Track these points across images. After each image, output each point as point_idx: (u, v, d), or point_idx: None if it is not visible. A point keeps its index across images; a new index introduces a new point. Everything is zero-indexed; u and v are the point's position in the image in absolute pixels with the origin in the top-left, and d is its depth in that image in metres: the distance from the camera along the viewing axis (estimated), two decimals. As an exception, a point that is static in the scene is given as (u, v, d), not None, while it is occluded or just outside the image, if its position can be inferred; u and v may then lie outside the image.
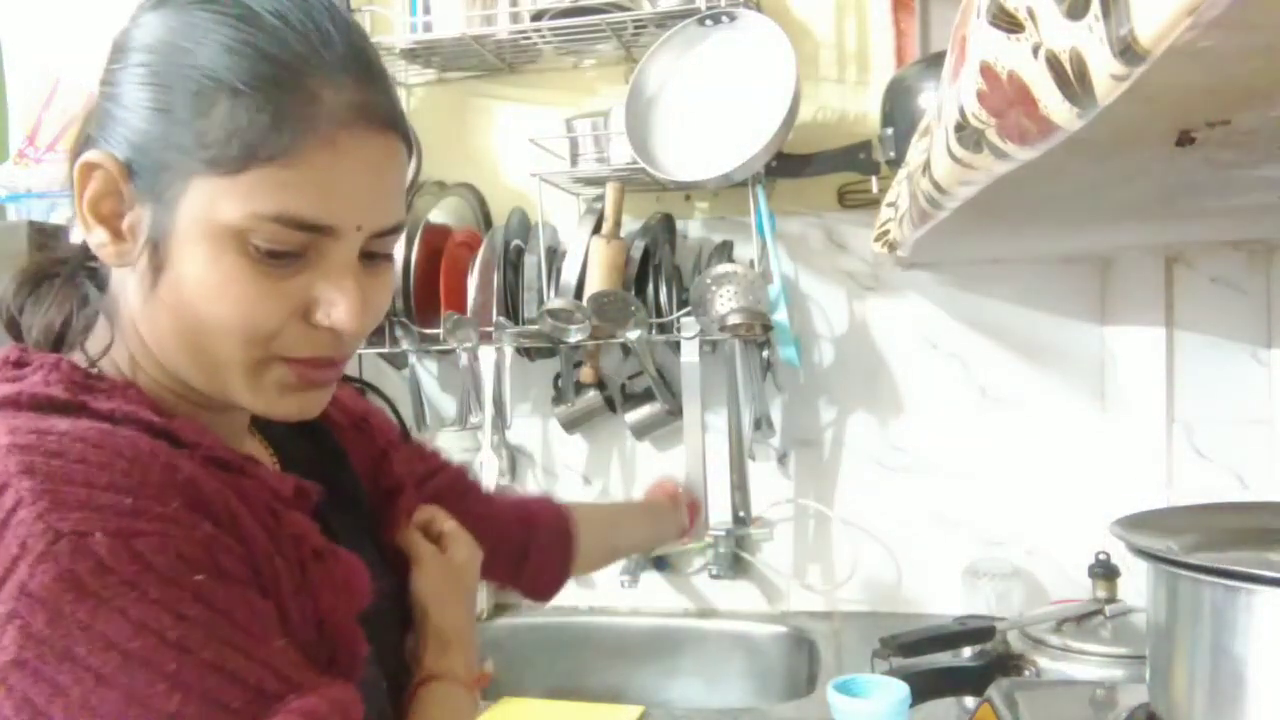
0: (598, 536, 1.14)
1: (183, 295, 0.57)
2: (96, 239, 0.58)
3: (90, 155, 0.58)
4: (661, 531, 1.36)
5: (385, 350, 1.71)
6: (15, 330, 0.63)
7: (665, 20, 1.57)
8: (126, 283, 0.60)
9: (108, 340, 0.61)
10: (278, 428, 0.72)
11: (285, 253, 0.56)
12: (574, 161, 1.65)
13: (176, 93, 0.55)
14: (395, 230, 0.61)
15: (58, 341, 0.61)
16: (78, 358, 0.60)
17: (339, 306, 0.58)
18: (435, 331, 1.65)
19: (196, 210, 0.55)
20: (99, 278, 0.63)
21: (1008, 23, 0.45)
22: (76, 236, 0.63)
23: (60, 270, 0.63)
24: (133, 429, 0.55)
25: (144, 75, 0.56)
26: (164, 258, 0.57)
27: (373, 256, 0.61)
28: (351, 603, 0.61)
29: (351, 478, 0.76)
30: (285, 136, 0.54)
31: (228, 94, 0.54)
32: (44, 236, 1.23)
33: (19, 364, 0.59)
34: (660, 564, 1.76)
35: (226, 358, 0.58)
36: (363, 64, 0.58)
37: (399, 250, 1.63)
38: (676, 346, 1.62)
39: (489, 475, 1.68)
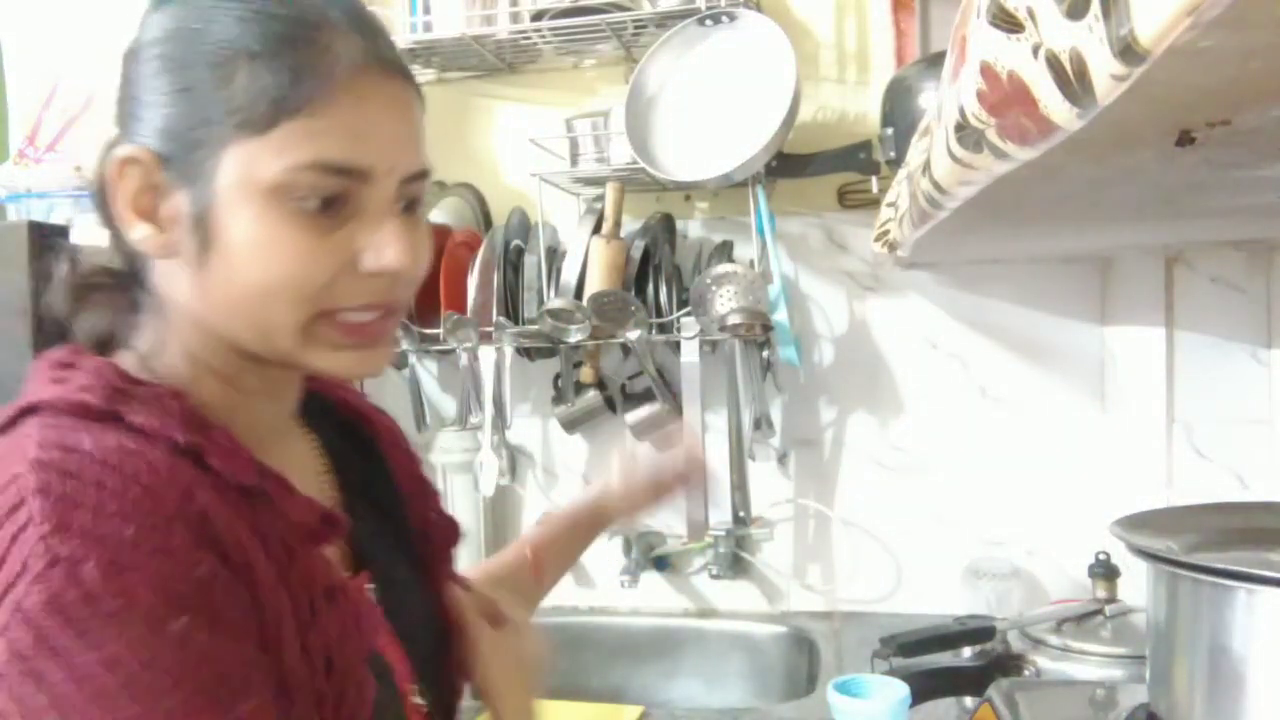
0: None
1: (234, 263, 0.58)
2: (139, 234, 0.60)
3: (122, 150, 0.59)
4: (584, 541, 1.12)
5: (385, 350, 1.71)
6: (64, 339, 0.64)
7: (665, 20, 1.57)
8: (174, 276, 0.61)
9: (156, 342, 0.62)
10: (327, 429, 0.74)
11: (326, 202, 0.57)
12: (574, 161, 1.65)
13: (196, 70, 0.57)
14: (424, 175, 0.62)
15: (105, 345, 0.62)
16: (127, 359, 0.61)
17: (387, 248, 0.59)
18: (435, 331, 1.65)
19: (235, 176, 0.57)
20: (145, 285, 0.63)
21: (1008, 23, 0.45)
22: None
23: (108, 280, 0.65)
24: (159, 447, 0.55)
25: (160, 65, 0.58)
26: (210, 232, 0.58)
27: (409, 208, 0.62)
28: (360, 643, 0.60)
29: (391, 488, 0.76)
30: (308, 87, 0.56)
31: (245, 59, 0.56)
32: (45, 237, 1.23)
33: (67, 365, 0.60)
34: (660, 564, 1.76)
35: (280, 320, 0.59)
36: (365, 19, 0.60)
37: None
38: (676, 346, 1.62)
39: (489, 475, 1.68)
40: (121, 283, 0.64)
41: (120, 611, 0.49)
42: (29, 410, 0.57)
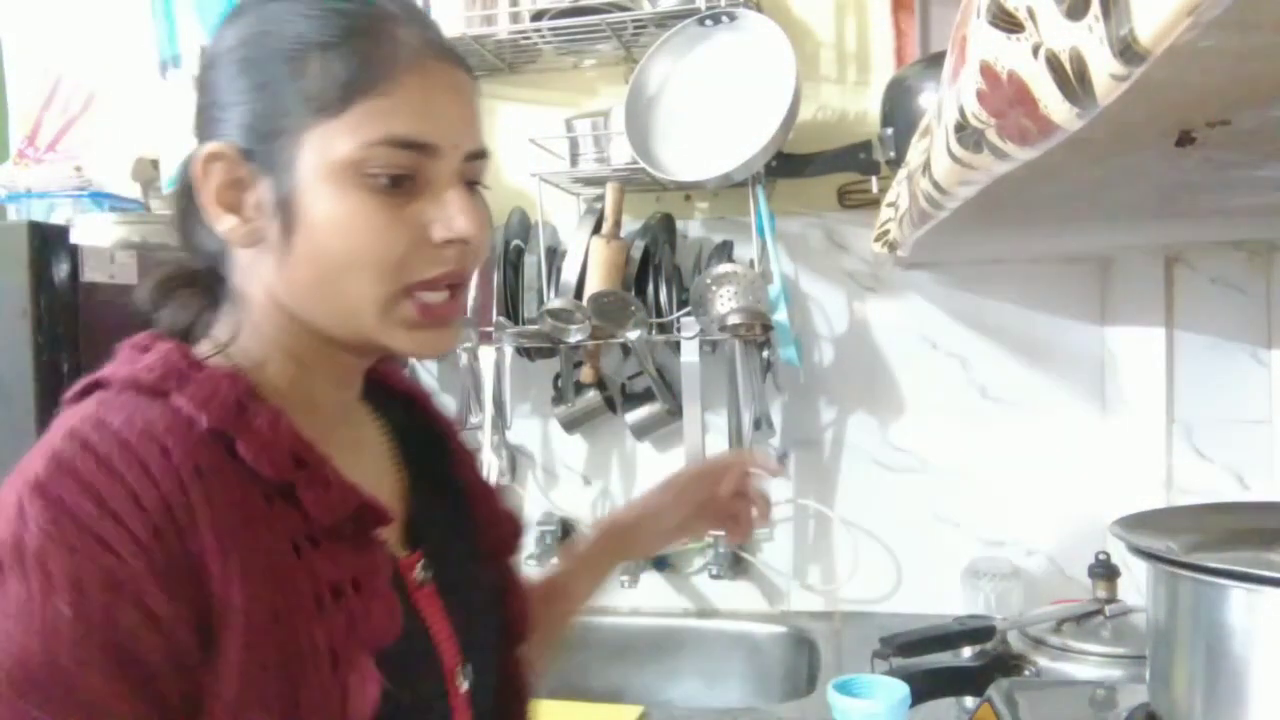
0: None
1: (317, 241, 0.62)
2: (226, 225, 0.64)
3: (206, 147, 0.63)
4: (603, 576, 1.04)
5: (385, 350, 1.71)
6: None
7: (665, 20, 1.57)
8: (255, 265, 0.65)
9: (233, 331, 0.66)
10: (396, 415, 0.78)
11: (399, 177, 0.62)
12: (574, 161, 1.65)
13: (273, 66, 0.62)
14: (484, 155, 0.67)
15: (186, 335, 0.66)
16: (204, 346, 0.65)
17: (456, 217, 0.63)
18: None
19: (314, 159, 0.61)
20: (224, 280, 0.67)
21: (1008, 23, 0.45)
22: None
23: (193, 277, 0.68)
24: (192, 429, 0.58)
25: (238, 68, 0.63)
26: (293, 215, 0.62)
27: (470, 186, 0.66)
28: (367, 639, 0.61)
29: (451, 474, 0.80)
30: (376, 70, 0.61)
31: (318, 50, 0.61)
32: (45, 237, 1.23)
33: (143, 347, 0.64)
34: (660, 564, 1.76)
35: (360, 296, 0.63)
36: (419, 13, 0.66)
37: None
38: (676, 346, 1.62)
39: (489, 475, 1.68)
40: (201, 280, 0.68)
41: (35, 579, 0.52)
42: (98, 384, 0.62)
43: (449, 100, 0.64)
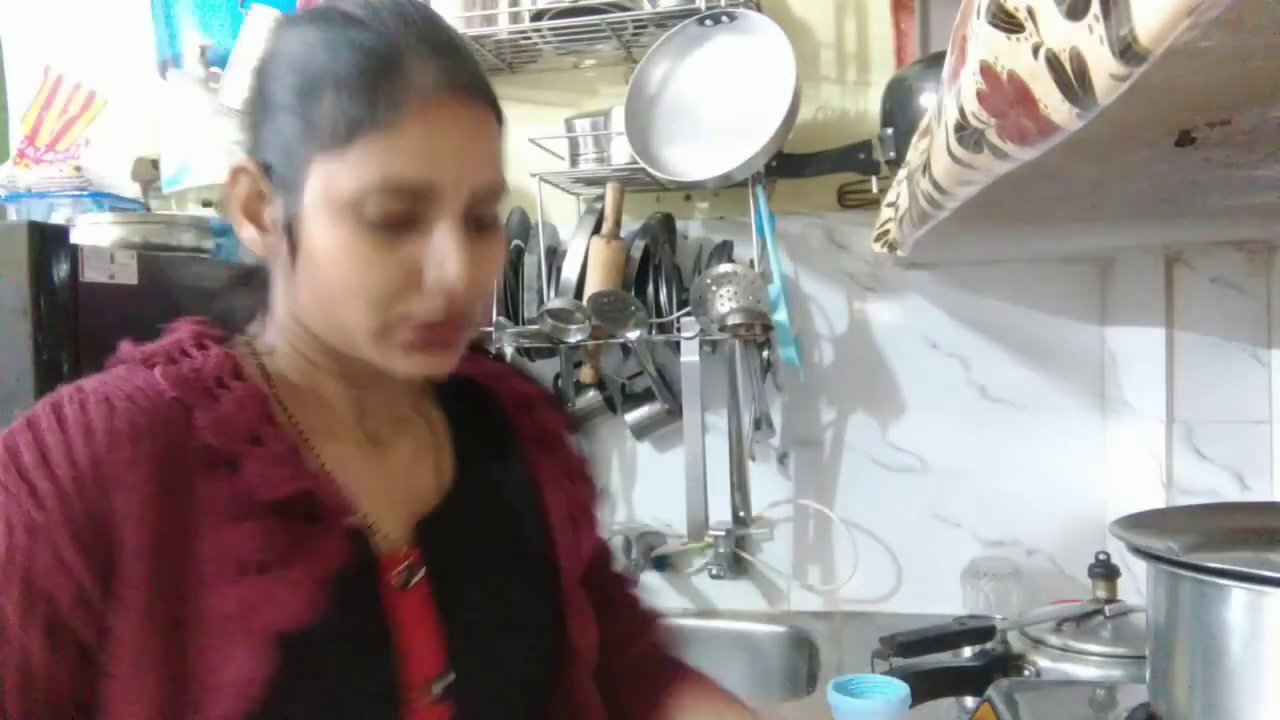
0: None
1: (315, 267, 0.64)
2: (247, 234, 0.68)
3: (236, 161, 0.67)
4: None
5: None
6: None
7: (665, 20, 1.57)
8: (276, 272, 0.69)
9: (265, 326, 0.71)
10: (456, 411, 0.79)
11: (395, 217, 0.62)
12: (574, 161, 1.65)
13: (294, 93, 0.64)
14: (493, 192, 0.66)
15: (229, 323, 0.72)
16: (239, 338, 0.71)
17: (446, 266, 0.63)
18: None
19: (318, 189, 0.63)
20: (266, 281, 0.71)
21: (1008, 23, 0.45)
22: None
23: (249, 275, 0.74)
24: (156, 396, 0.63)
25: (270, 86, 0.66)
26: (297, 237, 0.64)
27: (480, 225, 0.66)
28: (262, 620, 0.61)
29: (520, 488, 0.78)
30: (382, 110, 0.61)
31: (332, 84, 0.62)
32: (45, 237, 1.23)
33: (172, 329, 0.70)
34: (660, 564, 1.76)
35: (354, 322, 0.65)
36: (443, 42, 0.65)
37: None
38: (676, 346, 1.62)
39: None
40: (255, 278, 0.73)
41: None
42: (122, 359, 0.67)
43: (454, 140, 0.63)
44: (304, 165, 0.63)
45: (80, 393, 0.62)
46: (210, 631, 0.60)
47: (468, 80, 0.65)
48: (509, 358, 1.00)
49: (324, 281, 0.64)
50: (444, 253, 0.63)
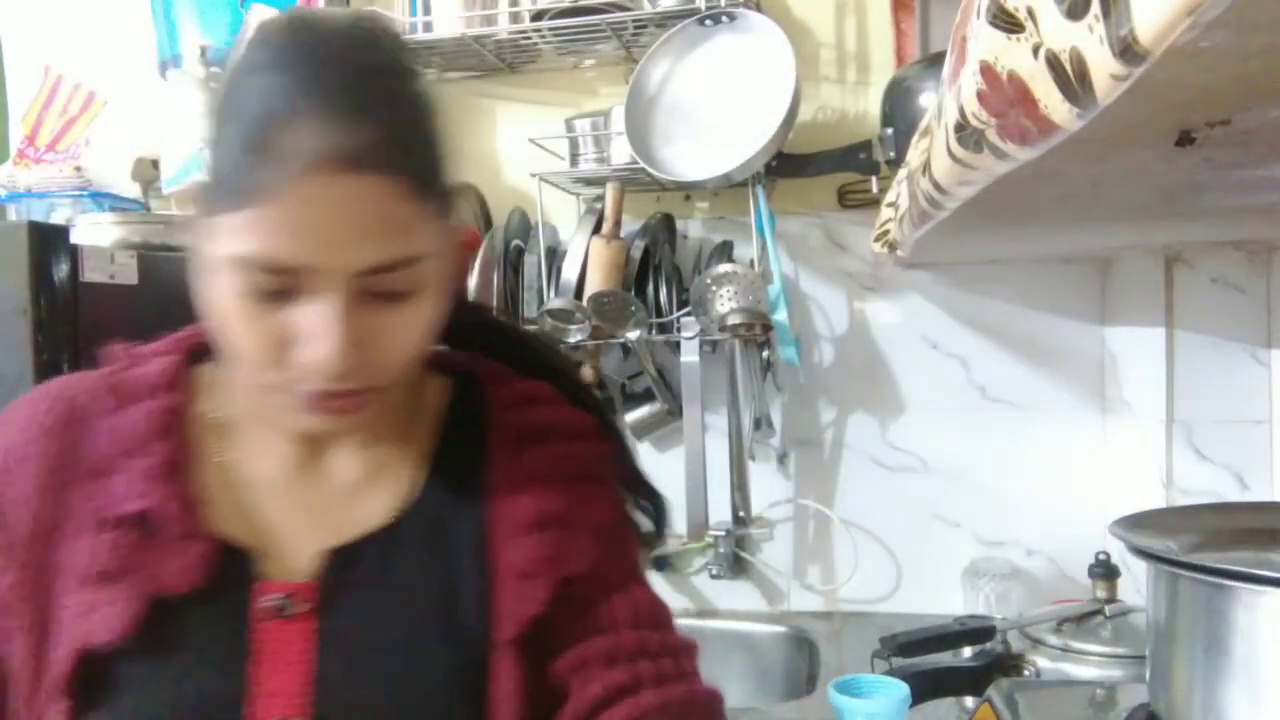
0: None
1: (209, 315, 0.63)
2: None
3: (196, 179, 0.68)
4: None
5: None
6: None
7: (665, 20, 1.57)
8: None
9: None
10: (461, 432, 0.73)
11: (271, 290, 0.59)
12: (574, 161, 1.65)
13: (208, 143, 0.62)
14: (387, 268, 0.60)
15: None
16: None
17: (311, 345, 0.59)
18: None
19: (206, 242, 0.62)
20: None
21: (1008, 23, 0.45)
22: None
23: None
24: (72, 398, 0.68)
25: (209, 119, 0.63)
26: (198, 280, 0.63)
27: (385, 296, 0.61)
28: (78, 632, 0.62)
29: (470, 526, 0.69)
30: (261, 182, 0.57)
31: (214, 148, 0.61)
32: (45, 237, 1.23)
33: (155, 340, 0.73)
34: (660, 564, 1.76)
35: (246, 375, 0.64)
36: (358, 105, 0.58)
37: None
38: (676, 346, 1.62)
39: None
40: None
41: None
42: (105, 360, 0.71)
43: (330, 218, 0.57)
44: (209, 213, 0.61)
45: (37, 388, 0.68)
46: (42, 634, 0.63)
47: (371, 151, 0.57)
48: (552, 349, 0.89)
49: (215, 329, 0.63)
50: (312, 331, 0.59)
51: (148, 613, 0.62)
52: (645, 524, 0.77)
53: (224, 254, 0.59)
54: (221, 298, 0.61)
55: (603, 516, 0.72)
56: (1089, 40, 0.37)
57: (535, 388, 0.74)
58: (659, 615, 0.72)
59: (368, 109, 0.59)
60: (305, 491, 0.69)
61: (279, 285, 0.59)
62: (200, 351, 0.71)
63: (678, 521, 1.66)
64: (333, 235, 0.58)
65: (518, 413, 0.72)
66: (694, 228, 1.74)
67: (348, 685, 0.64)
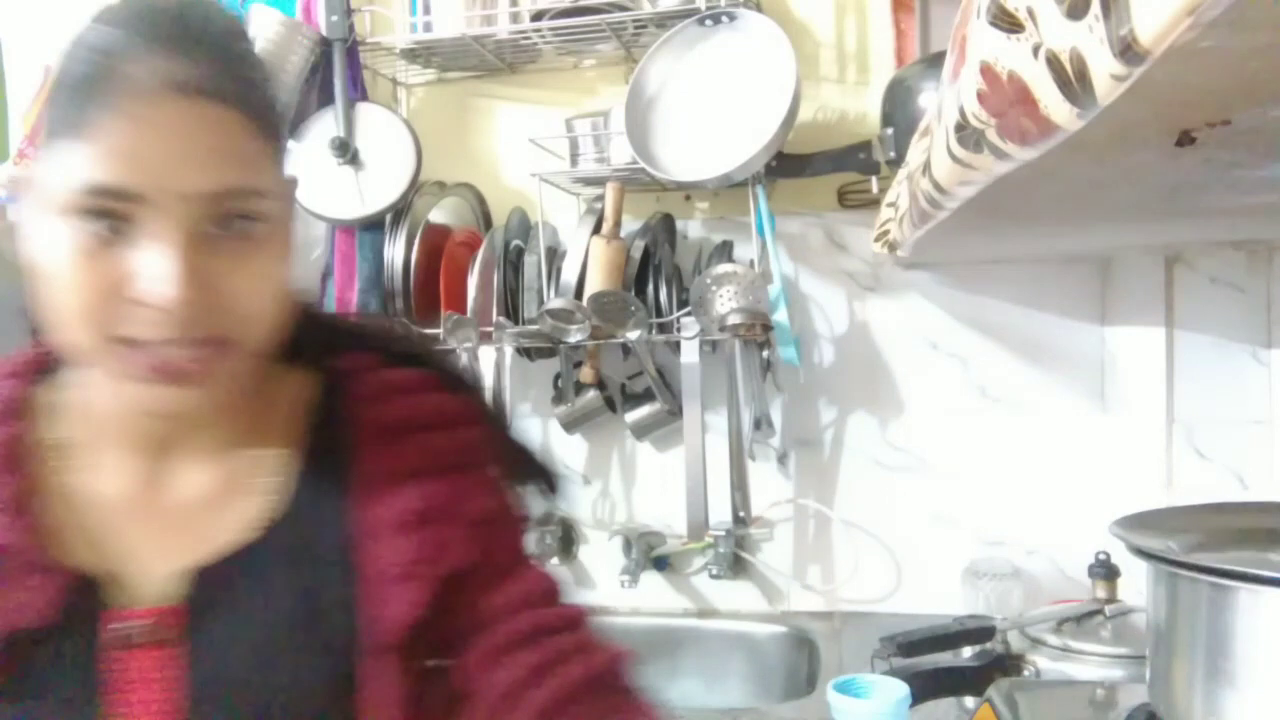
0: None
1: (36, 277, 0.60)
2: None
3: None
4: None
5: (385, 350, 1.71)
6: None
7: (665, 20, 1.56)
8: None
9: None
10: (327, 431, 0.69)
11: (105, 223, 0.57)
12: (574, 161, 1.65)
13: (46, 91, 0.61)
14: (226, 196, 0.59)
15: None
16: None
17: (150, 285, 0.57)
18: (435, 331, 1.64)
19: (35, 193, 0.60)
20: None
21: (1008, 23, 0.45)
22: None
23: None
24: None
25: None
26: (27, 244, 0.61)
27: (228, 239, 0.59)
28: None
29: (335, 528, 0.66)
30: (90, 114, 0.57)
31: (60, 86, 0.59)
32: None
33: None
34: (660, 564, 1.76)
35: (76, 344, 0.60)
36: (186, 38, 0.59)
37: (399, 250, 1.63)
38: (676, 346, 1.62)
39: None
40: None
41: None
42: None
43: (168, 143, 0.57)
44: (42, 159, 0.59)
45: None
46: None
47: (201, 79, 0.58)
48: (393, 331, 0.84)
49: (44, 295, 0.59)
50: (151, 270, 0.57)
51: (1, 654, 0.60)
52: (536, 501, 0.74)
53: (59, 193, 0.57)
54: (53, 254, 0.58)
55: (480, 506, 0.69)
56: (1089, 40, 0.37)
57: (399, 377, 0.71)
58: (551, 591, 0.70)
59: (204, 41, 0.60)
60: (160, 510, 0.66)
61: (115, 219, 0.57)
62: (41, 369, 0.68)
63: (678, 521, 1.66)
64: (170, 159, 0.57)
65: (381, 406, 0.69)
66: (694, 228, 1.74)
67: (218, 708, 0.62)
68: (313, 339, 0.71)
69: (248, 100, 0.60)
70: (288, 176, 0.66)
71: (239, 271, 0.60)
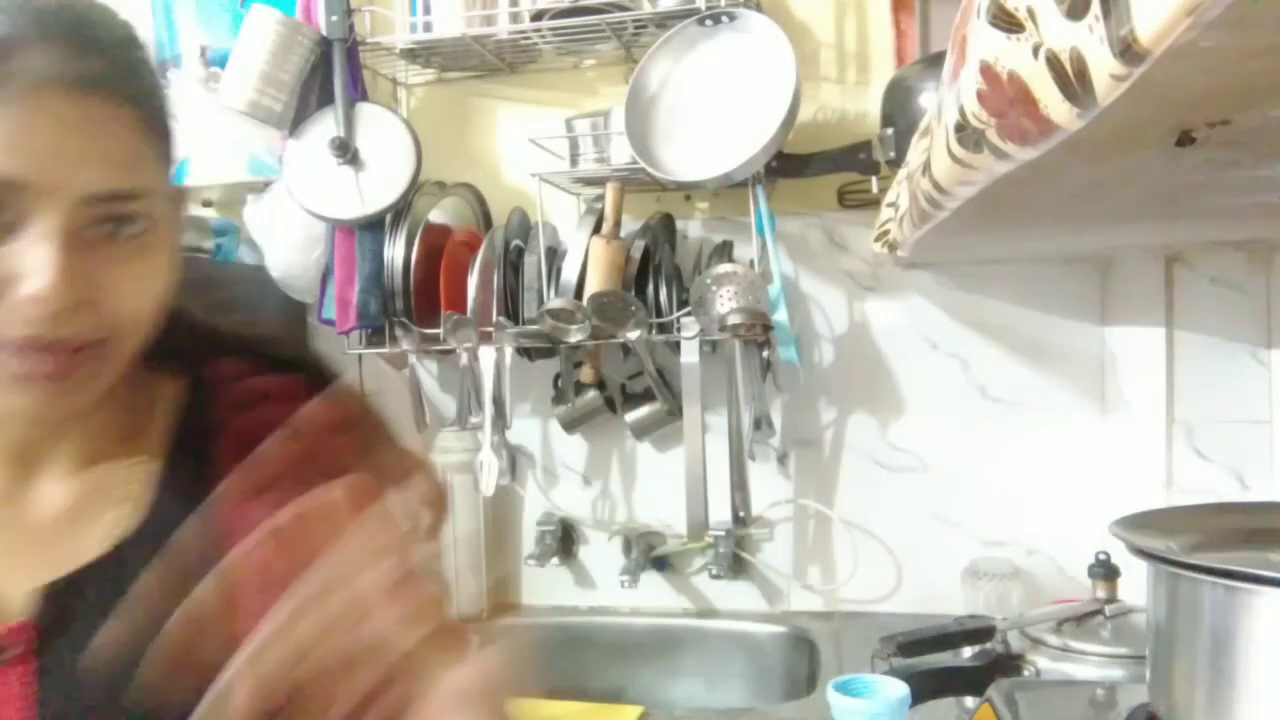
0: None
1: None
2: None
3: None
4: None
5: (385, 350, 1.71)
6: None
7: (665, 20, 1.56)
8: None
9: None
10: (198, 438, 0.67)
11: None
12: (574, 161, 1.65)
13: None
14: (111, 197, 0.58)
15: None
16: None
17: (27, 279, 0.55)
18: (435, 331, 1.65)
19: None
20: None
21: (1008, 23, 0.45)
22: None
23: None
24: None
25: None
26: None
27: (111, 241, 0.58)
28: None
29: (203, 538, 0.61)
30: None
31: None
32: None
33: None
34: (660, 564, 1.76)
35: None
36: (81, 34, 0.58)
37: (399, 250, 1.63)
38: (676, 346, 1.62)
39: (489, 475, 1.68)
40: None
41: None
42: None
43: (55, 138, 0.55)
44: None
45: None
46: None
47: (87, 72, 0.57)
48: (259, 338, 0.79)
49: None
50: (29, 265, 0.55)
51: None
52: (411, 504, 0.68)
53: None
54: None
55: (343, 514, 0.63)
56: (1089, 40, 0.37)
57: (266, 384, 0.69)
58: (411, 586, 0.63)
59: (95, 39, 0.59)
60: (20, 525, 0.64)
61: None
62: None
63: (678, 522, 1.66)
64: (55, 153, 0.56)
65: (246, 415, 0.67)
66: (694, 228, 1.74)
67: None
68: (185, 345, 0.70)
69: (140, 99, 0.60)
70: (174, 183, 0.65)
71: (120, 274, 0.59)
